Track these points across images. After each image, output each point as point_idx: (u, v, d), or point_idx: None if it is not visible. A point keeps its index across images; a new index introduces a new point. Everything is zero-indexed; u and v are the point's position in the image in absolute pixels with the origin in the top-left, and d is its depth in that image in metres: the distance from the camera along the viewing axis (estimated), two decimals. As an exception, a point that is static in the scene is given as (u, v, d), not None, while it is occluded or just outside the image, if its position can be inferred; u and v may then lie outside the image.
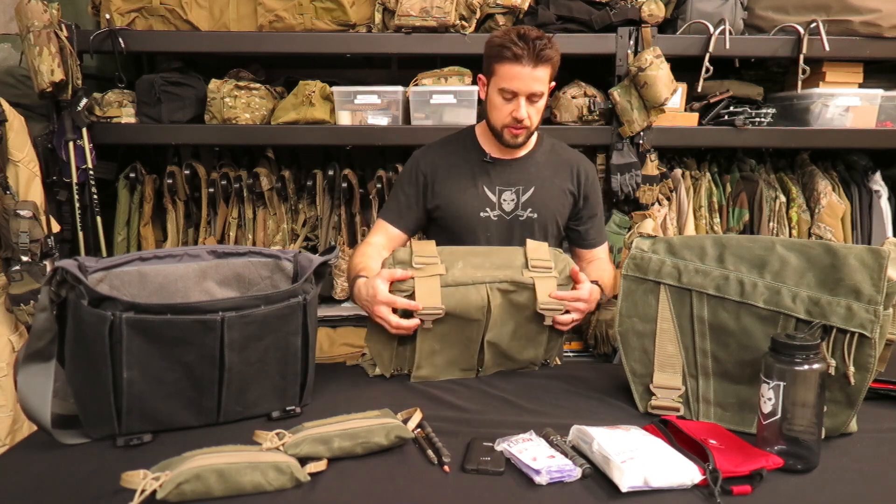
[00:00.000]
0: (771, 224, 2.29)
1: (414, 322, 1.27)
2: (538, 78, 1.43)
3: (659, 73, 2.09)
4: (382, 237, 1.57)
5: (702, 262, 1.15)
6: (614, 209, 2.30)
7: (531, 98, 1.45)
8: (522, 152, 1.59)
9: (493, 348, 1.33)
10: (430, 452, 1.00)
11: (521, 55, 1.40)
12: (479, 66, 1.58)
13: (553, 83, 1.52)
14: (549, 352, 1.40)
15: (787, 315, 1.07)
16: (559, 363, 1.51)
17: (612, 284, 1.58)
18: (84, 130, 2.16)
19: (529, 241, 1.38)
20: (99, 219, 2.26)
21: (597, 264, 1.63)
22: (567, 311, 1.35)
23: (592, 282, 1.42)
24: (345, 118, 2.26)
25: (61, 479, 0.94)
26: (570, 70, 2.40)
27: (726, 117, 2.26)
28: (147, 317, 1.01)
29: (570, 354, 2.42)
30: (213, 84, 2.26)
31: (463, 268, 1.31)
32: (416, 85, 2.25)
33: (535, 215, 1.56)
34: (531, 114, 1.47)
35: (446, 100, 2.19)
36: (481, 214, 1.55)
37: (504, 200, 1.56)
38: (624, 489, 0.89)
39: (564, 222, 1.63)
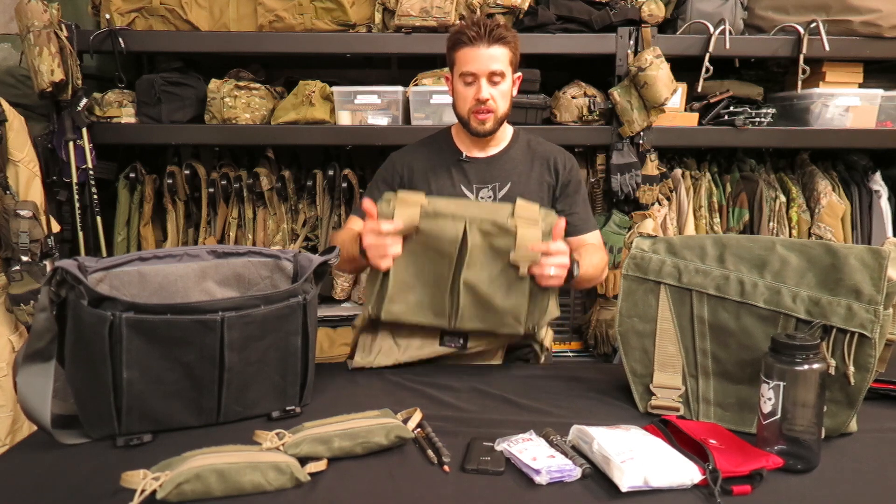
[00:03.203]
0: (771, 224, 2.29)
1: (395, 226, 1.26)
2: (494, 57, 1.45)
3: (659, 73, 2.09)
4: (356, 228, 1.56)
5: (702, 262, 1.15)
6: (614, 209, 2.30)
7: (491, 79, 1.47)
8: (497, 149, 1.59)
9: (469, 292, 1.30)
10: (430, 452, 1.00)
11: (474, 37, 1.44)
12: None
13: (519, 75, 1.55)
14: (534, 313, 1.34)
15: (787, 315, 1.07)
16: (550, 350, 1.46)
17: (600, 267, 1.54)
18: (84, 130, 2.17)
19: (520, 199, 1.37)
20: (99, 219, 2.26)
21: (584, 248, 1.59)
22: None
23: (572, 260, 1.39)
24: (345, 118, 2.26)
25: (61, 479, 0.94)
26: (570, 70, 2.41)
27: (726, 117, 2.26)
28: (147, 317, 1.01)
29: (570, 354, 2.42)
30: (213, 84, 2.26)
31: (447, 204, 1.32)
32: (416, 85, 2.25)
33: None
34: (494, 96, 1.48)
35: (446, 100, 2.19)
36: None
37: (482, 198, 1.56)
38: (624, 489, 0.89)
39: None
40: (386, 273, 1.30)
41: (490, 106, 1.47)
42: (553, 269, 1.29)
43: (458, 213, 1.30)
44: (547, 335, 1.44)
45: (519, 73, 1.55)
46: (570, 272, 1.35)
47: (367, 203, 1.31)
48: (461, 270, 1.29)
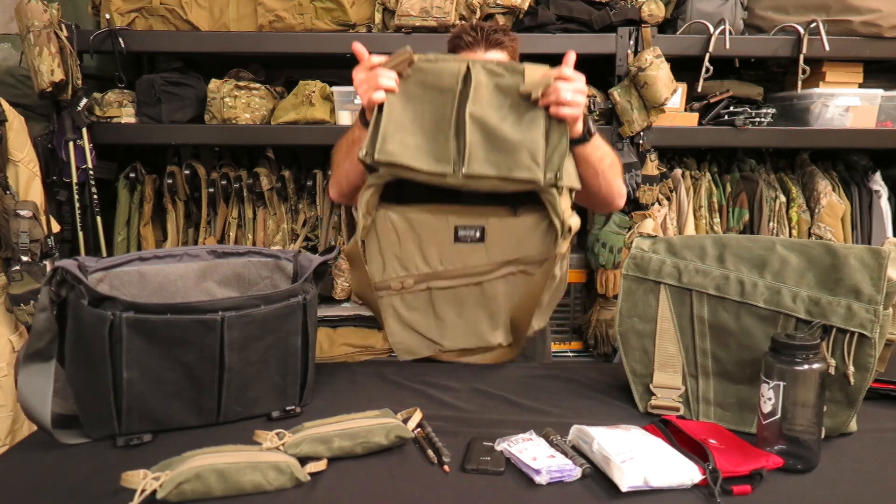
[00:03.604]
0: (771, 224, 2.29)
1: (387, 59, 1.15)
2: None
3: (659, 73, 2.09)
4: None
5: (702, 262, 1.15)
6: (614, 209, 2.30)
7: None
8: None
9: (477, 126, 1.14)
10: (430, 452, 1.00)
11: (471, 42, 1.39)
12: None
13: None
14: (553, 157, 1.16)
15: (787, 315, 1.07)
16: (567, 255, 1.28)
17: (614, 154, 1.38)
18: (84, 130, 2.17)
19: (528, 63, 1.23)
20: (99, 219, 2.26)
21: None
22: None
23: None
24: (345, 118, 2.26)
25: (61, 479, 0.94)
26: (570, 70, 2.41)
27: (726, 117, 2.26)
28: (147, 317, 1.01)
29: (570, 354, 2.42)
30: (213, 84, 2.26)
31: (446, 56, 1.22)
32: (416, 85, 2.25)
33: None
34: None
35: (446, 100, 2.18)
36: None
37: None
38: (624, 489, 0.89)
39: None
40: (380, 114, 1.15)
41: None
42: (570, 94, 1.15)
43: (458, 58, 1.20)
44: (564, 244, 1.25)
45: None
46: (587, 129, 1.23)
47: (358, 45, 1.20)
48: (465, 107, 1.14)
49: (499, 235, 1.26)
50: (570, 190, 1.22)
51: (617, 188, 1.38)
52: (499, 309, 1.33)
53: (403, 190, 1.26)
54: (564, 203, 1.21)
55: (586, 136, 1.24)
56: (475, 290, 1.31)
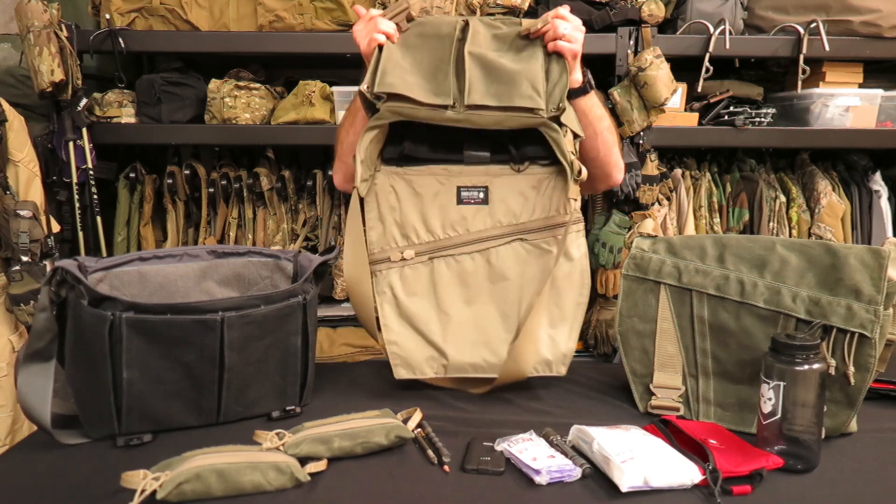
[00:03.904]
0: (771, 224, 2.29)
1: (384, 11, 1.17)
2: None
3: (659, 73, 2.09)
4: None
5: (702, 262, 1.15)
6: (614, 209, 2.29)
7: None
8: None
9: (476, 61, 1.14)
10: (430, 452, 1.00)
11: None
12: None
13: None
14: (554, 91, 1.15)
15: (787, 315, 1.07)
16: (577, 168, 1.18)
17: (607, 117, 1.36)
18: (84, 130, 2.16)
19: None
20: (99, 219, 2.26)
21: None
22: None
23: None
24: (345, 118, 2.26)
25: (61, 479, 0.94)
26: (570, 70, 2.41)
27: (726, 117, 2.25)
28: (147, 317, 1.01)
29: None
30: (213, 84, 2.26)
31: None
32: (416, 85, 2.25)
33: None
34: None
35: (446, 100, 2.18)
36: None
37: None
38: (624, 489, 0.89)
39: None
40: (380, 54, 1.17)
41: None
42: (568, 29, 1.16)
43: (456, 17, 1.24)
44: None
45: None
46: (587, 80, 1.25)
47: (358, 5, 1.24)
48: (464, 47, 1.15)
49: (503, 194, 1.22)
50: (575, 136, 1.20)
51: (615, 157, 1.36)
52: (510, 300, 1.21)
53: (403, 150, 1.23)
54: (569, 144, 1.18)
55: (586, 88, 1.24)
56: (482, 265, 1.22)
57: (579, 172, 1.17)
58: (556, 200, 1.22)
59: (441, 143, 1.22)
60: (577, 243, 1.22)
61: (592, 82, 1.28)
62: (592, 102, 1.28)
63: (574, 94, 1.23)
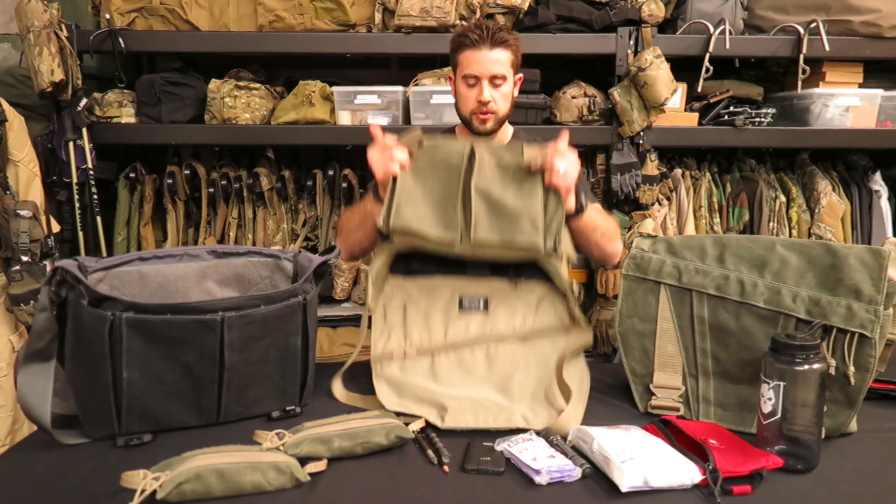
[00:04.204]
0: (771, 224, 2.29)
1: (400, 139, 1.25)
2: (497, 60, 1.46)
3: (659, 73, 2.09)
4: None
5: (702, 262, 1.15)
6: (614, 209, 2.29)
7: (493, 81, 1.47)
8: None
9: (481, 196, 1.25)
10: (430, 452, 1.00)
11: (477, 40, 1.45)
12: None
13: (520, 76, 1.55)
14: (551, 225, 1.25)
15: (787, 315, 1.07)
16: (576, 292, 1.32)
17: (610, 225, 1.49)
18: (84, 130, 2.16)
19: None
20: (99, 219, 2.26)
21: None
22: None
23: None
24: (345, 118, 2.26)
25: (61, 479, 0.94)
26: (570, 70, 2.40)
27: (726, 117, 2.26)
28: (147, 317, 1.01)
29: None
30: (213, 84, 2.26)
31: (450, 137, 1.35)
32: (416, 85, 2.25)
33: None
34: (495, 97, 1.48)
35: (446, 100, 2.18)
36: None
37: None
38: (624, 489, 0.89)
39: None
40: (395, 186, 1.26)
41: (491, 107, 1.49)
42: (562, 168, 1.25)
43: (462, 140, 1.33)
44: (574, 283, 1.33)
45: (520, 75, 1.56)
46: (579, 203, 1.35)
47: (375, 127, 1.30)
48: (471, 180, 1.25)
49: (503, 306, 1.32)
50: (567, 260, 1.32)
51: (610, 251, 1.50)
52: (509, 382, 1.21)
53: (411, 264, 1.35)
54: (564, 270, 1.29)
55: (579, 211, 1.36)
56: (481, 357, 1.26)
57: (579, 295, 1.27)
58: (555, 316, 1.30)
59: (445, 258, 1.31)
60: (578, 358, 1.28)
61: (585, 203, 1.38)
62: (586, 220, 1.39)
63: (568, 218, 1.33)
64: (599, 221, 1.45)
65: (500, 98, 1.49)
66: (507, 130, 1.61)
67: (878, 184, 2.37)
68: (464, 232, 1.25)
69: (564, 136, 1.29)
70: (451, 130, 1.66)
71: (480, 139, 1.37)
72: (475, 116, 1.51)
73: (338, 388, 1.25)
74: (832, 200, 2.28)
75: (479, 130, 1.52)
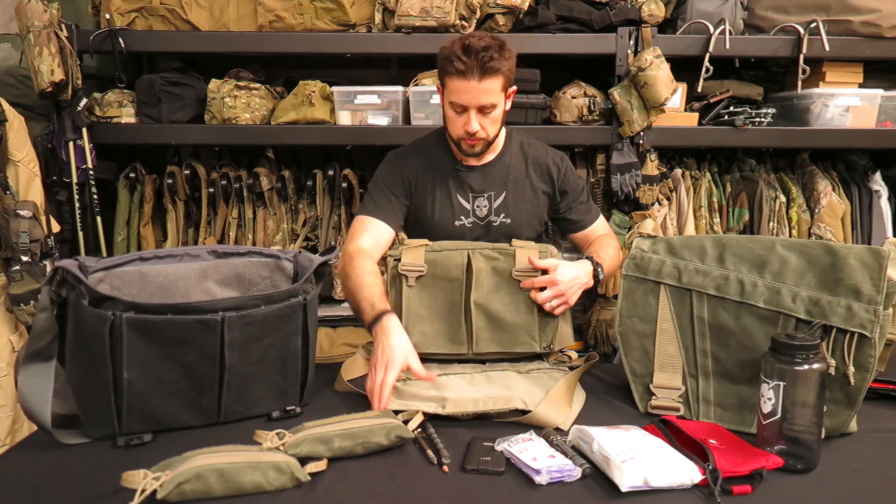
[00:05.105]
0: (771, 224, 2.29)
1: (390, 378, 1.17)
2: (486, 90, 1.40)
3: (659, 73, 2.09)
4: (370, 239, 1.49)
5: (702, 262, 1.15)
6: (614, 209, 2.30)
7: (482, 110, 1.43)
8: (492, 156, 1.58)
9: (481, 312, 1.36)
10: (430, 452, 1.00)
11: (464, 70, 1.37)
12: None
13: (514, 88, 1.51)
14: (546, 331, 1.37)
15: (787, 315, 1.07)
16: (572, 357, 1.41)
17: (617, 257, 1.57)
18: (84, 130, 2.16)
19: (515, 240, 1.44)
20: (99, 219, 2.26)
21: (596, 242, 1.60)
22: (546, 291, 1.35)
23: (587, 257, 1.48)
24: (345, 118, 2.26)
25: (61, 479, 0.94)
26: (570, 70, 2.41)
27: (726, 117, 2.26)
28: (147, 317, 1.01)
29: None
30: (213, 84, 2.26)
31: (449, 242, 1.43)
32: (416, 85, 2.25)
33: (508, 220, 1.56)
34: (485, 125, 1.45)
35: (446, 100, 2.19)
36: (456, 223, 1.56)
37: (478, 207, 1.57)
38: (624, 489, 0.89)
39: (546, 219, 1.65)
40: (399, 309, 1.35)
41: (479, 136, 1.46)
42: (555, 303, 1.36)
43: (460, 246, 1.41)
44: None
45: (514, 87, 1.51)
46: (596, 277, 1.44)
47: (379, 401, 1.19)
48: (471, 294, 1.35)
49: (501, 376, 1.33)
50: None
51: (620, 258, 1.59)
52: (511, 386, 1.25)
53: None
54: (559, 358, 1.41)
55: (597, 283, 1.47)
56: (481, 378, 1.30)
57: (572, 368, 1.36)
58: (551, 380, 1.29)
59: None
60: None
61: (601, 272, 1.47)
62: (603, 280, 1.50)
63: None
64: (609, 259, 1.52)
65: (490, 123, 1.46)
66: (500, 135, 1.59)
67: (878, 184, 2.37)
68: (468, 342, 1.36)
69: (557, 271, 1.35)
70: (441, 134, 1.63)
71: (476, 244, 1.43)
72: (463, 141, 1.48)
73: (343, 379, 1.28)
74: (832, 200, 2.28)
75: (466, 153, 1.51)
